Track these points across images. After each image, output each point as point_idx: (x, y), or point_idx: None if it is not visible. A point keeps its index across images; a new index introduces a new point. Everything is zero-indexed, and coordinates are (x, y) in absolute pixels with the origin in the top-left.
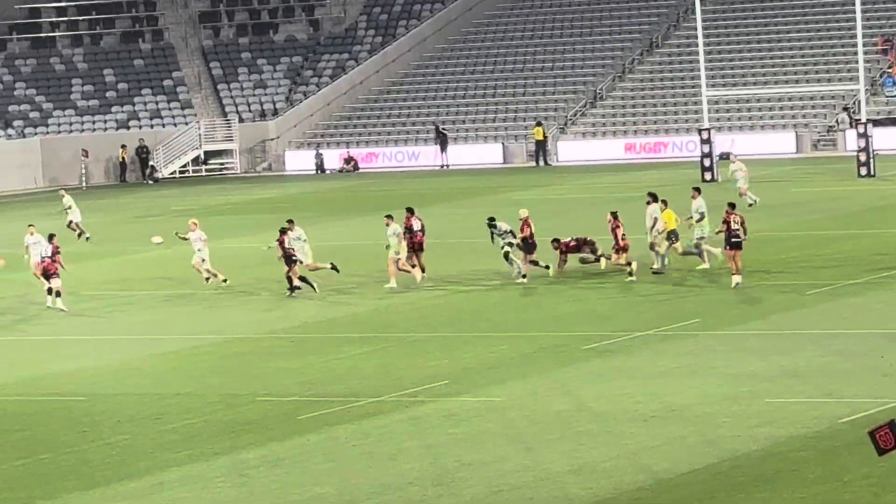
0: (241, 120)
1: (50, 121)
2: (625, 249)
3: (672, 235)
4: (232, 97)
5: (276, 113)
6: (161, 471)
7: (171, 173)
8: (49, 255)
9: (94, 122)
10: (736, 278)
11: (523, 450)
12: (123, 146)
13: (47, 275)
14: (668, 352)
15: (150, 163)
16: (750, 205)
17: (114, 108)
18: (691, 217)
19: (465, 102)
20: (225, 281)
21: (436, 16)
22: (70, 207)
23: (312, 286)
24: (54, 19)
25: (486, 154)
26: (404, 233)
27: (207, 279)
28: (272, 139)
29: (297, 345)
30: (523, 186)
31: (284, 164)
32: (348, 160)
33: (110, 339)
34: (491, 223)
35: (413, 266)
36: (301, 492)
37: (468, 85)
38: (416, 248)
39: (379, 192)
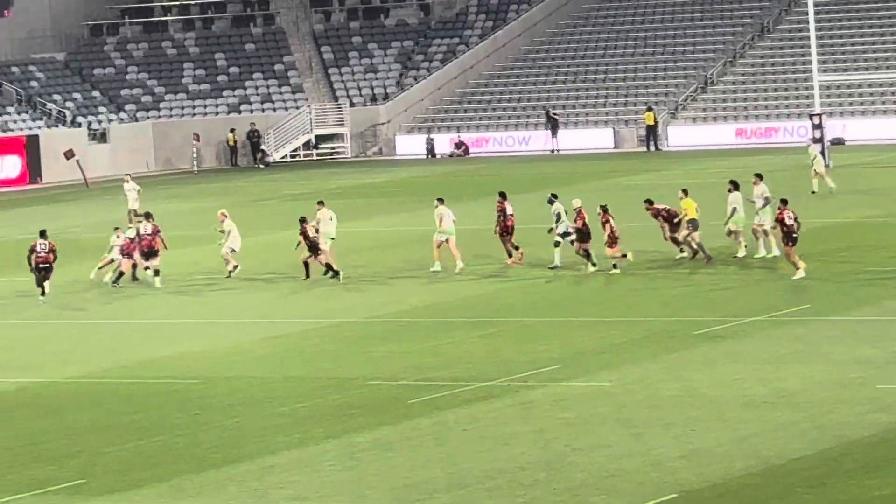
0: (351, 104)
1: (161, 105)
2: (616, 241)
3: (691, 224)
4: (343, 81)
5: (386, 97)
6: (272, 454)
7: (282, 157)
8: (149, 233)
9: (205, 107)
10: (799, 273)
11: (633, 435)
12: (233, 130)
13: (149, 253)
14: (779, 337)
15: (261, 147)
16: (813, 192)
17: (225, 93)
18: (752, 202)
19: (576, 87)
20: (236, 267)
21: (546, 0)
22: (132, 192)
23: (338, 274)
24: (166, 3)
25: (596, 139)
26: (498, 216)
27: (231, 272)
28: (383, 123)
29: (407, 329)
30: (633, 171)
31: (395, 149)
32: (459, 145)
33: (222, 323)
34: (552, 199)
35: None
36: (411, 475)
37: (579, 69)
38: (507, 231)
39: (489, 176)
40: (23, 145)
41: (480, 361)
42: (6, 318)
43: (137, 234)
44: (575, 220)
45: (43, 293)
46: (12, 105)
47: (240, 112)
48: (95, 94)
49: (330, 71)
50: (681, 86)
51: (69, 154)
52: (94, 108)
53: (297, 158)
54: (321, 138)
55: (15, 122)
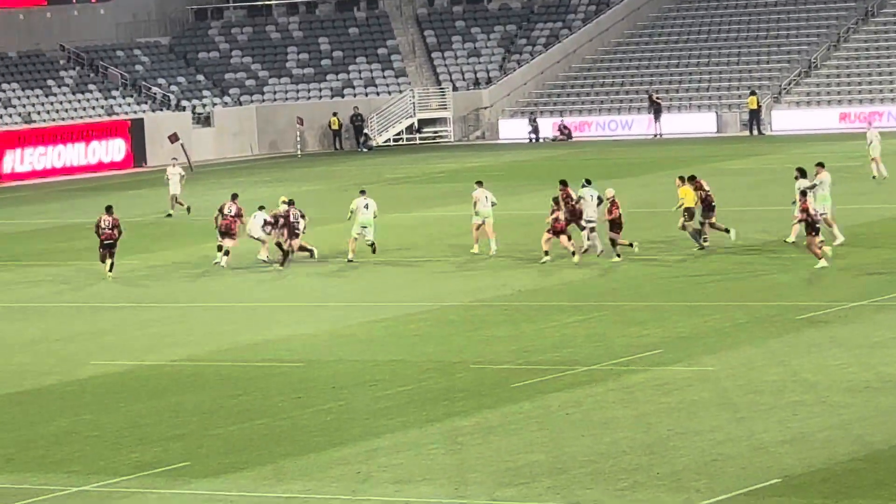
0: (454, 88)
1: (265, 89)
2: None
3: (686, 212)
4: (446, 65)
5: (489, 81)
6: (375, 437)
7: (385, 141)
8: (232, 214)
9: (308, 91)
10: (822, 262)
11: (736, 419)
12: (336, 114)
13: (226, 233)
14: (883, 322)
15: (365, 131)
16: (874, 177)
17: (328, 77)
18: (813, 186)
19: (679, 71)
20: (281, 260)
21: None
22: (175, 177)
23: (312, 252)
24: None
25: (699, 123)
26: (563, 203)
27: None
28: (485, 108)
29: (510, 313)
30: (736, 156)
31: (498, 133)
32: (562, 129)
33: (326, 306)
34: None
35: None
36: (514, 459)
37: (682, 54)
38: (574, 217)
39: (592, 160)
40: (127, 129)
41: (583, 345)
42: (112, 301)
43: (221, 212)
44: (610, 210)
45: (110, 269)
46: (117, 89)
47: (343, 96)
48: (200, 77)
49: (433, 55)
50: (784, 70)
51: (173, 138)
52: (199, 92)
53: (399, 142)
54: (424, 122)
55: (120, 105)
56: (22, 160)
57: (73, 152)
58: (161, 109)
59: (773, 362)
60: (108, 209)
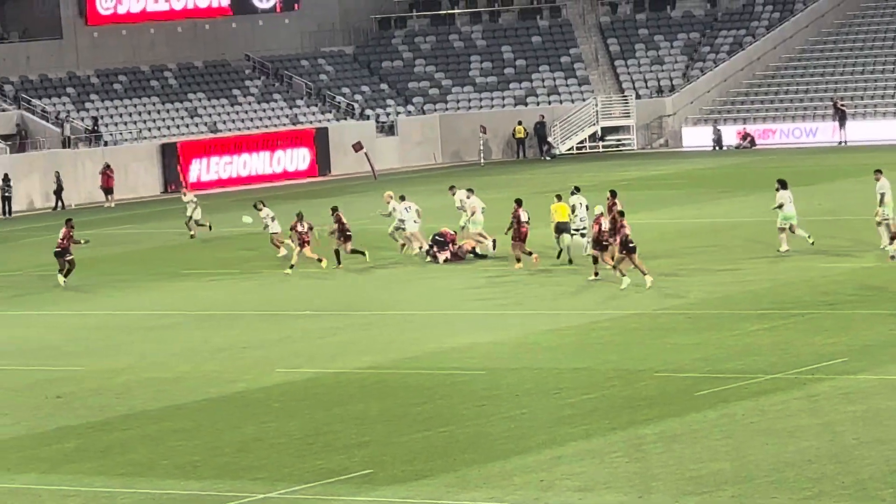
0: (637, 96)
1: (449, 97)
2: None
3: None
4: (629, 73)
5: (672, 89)
6: (559, 445)
7: (569, 149)
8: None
9: (492, 99)
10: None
11: None
12: (520, 122)
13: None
14: None
15: (548, 139)
16: None
17: (511, 85)
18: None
19: (864, 78)
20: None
21: None
22: (191, 203)
23: (364, 254)
24: None
25: (885, 130)
26: (512, 223)
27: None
28: (669, 115)
29: (693, 321)
30: None
31: (681, 141)
32: (745, 136)
33: (509, 314)
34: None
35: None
36: (698, 468)
37: (867, 60)
38: (520, 238)
39: (776, 168)
40: (312, 138)
41: (767, 353)
42: (296, 309)
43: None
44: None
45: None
46: (302, 98)
47: (526, 104)
48: (383, 86)
49: (616, 63)
50: None
51: (358, 147)
52: (382, 101)
53: (583, 150)
54: (607, 130)
55: (304, 115)
56: (208, 169)
57: (259, 161)
58: (345, 118)
59: None
60: (299, 215)
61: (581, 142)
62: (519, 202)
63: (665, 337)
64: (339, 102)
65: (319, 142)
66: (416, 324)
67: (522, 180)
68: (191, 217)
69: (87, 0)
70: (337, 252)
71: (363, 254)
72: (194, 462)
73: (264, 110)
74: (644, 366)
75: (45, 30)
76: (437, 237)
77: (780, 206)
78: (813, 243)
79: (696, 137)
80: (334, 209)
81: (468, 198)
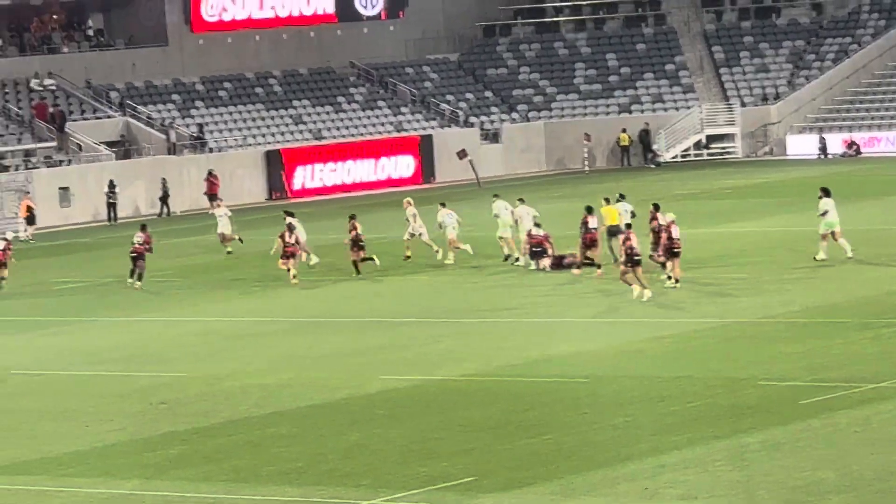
0: (742, 104)
1: (553, 105)
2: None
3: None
4: (734, 81)
5: (777, 97)
6: (662, 453)
7: (673, 157)
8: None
9: (596, 107)
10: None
11: None
12: (624, 130)
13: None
14: None
15: (653, 147)
16: None
17: (616, 93)
18: None
19: None
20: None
21: None
22: (223, 217)
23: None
24: (558, 4)
25: None
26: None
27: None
28: (774, 123)
29: (797, 329)
30: None
31: (785, 149)
32: (850, 144)
33: (612, 322)
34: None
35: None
36: (801, 476)
37: None
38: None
39: (881, 177)
40: (417, 145)
41: (872, 362)
42: (401, 316)
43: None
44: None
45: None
46: (406, 105)
47: (630, 112)
48: (488, 94)
49: (721, 70)
50: None
51: (462, 154)
52: (487, 109)
53: (687, 158)
54: (712, 138)
55: (409, 122)
56: (312, 176)
57: (363, 168)
58: (449, 126)
59: None
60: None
61: (686, 149)
62: (589, 209)
63: (769, 345)
64: (444, 110)
65: (424, 149)
66: (519, 332)
67: (626, 188)
68: (222, 232)
69: (193, 8)
70: (355, 263)
71: (372, 259)
72: (298, 468)
73: (368, 117)
74: (747, 374)
75: (150, 37)
76: (534, 248)
77: (824, 214)
78: (852, 257)
79: (801, 145)
80: (352, 217)
81: (516, 207)
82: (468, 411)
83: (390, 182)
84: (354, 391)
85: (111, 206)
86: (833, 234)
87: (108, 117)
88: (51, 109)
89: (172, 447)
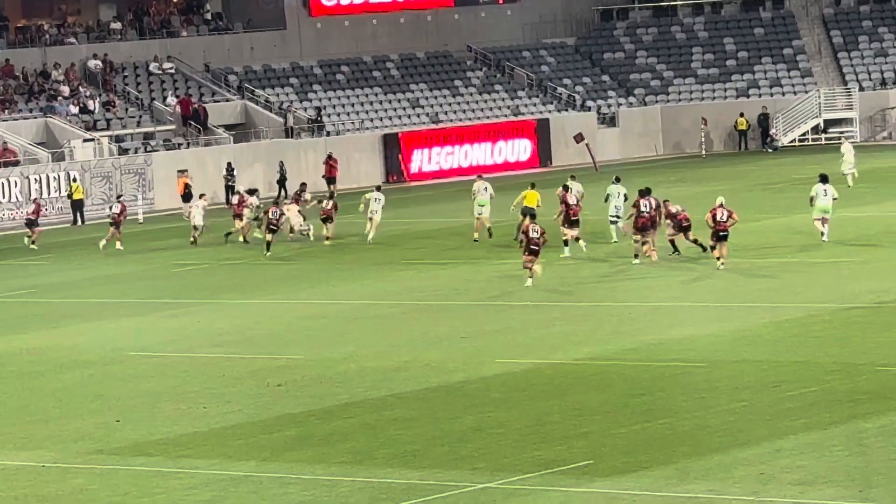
0: (861, 88)
1: (670, 89)
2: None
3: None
4: (852, 65)
5: None
6: (778, 438)
7: (791, 142)
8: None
9: (713, 91)
10: None
11: None
12: (742, 114)
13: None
14: None
15: (770, 131)
16: None
17: (734, 77)
18: None
19: None
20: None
21: None
22: (196, 209)
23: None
24: None
25: None
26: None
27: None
28: (892, 108)
29: None
30: None
31: None
32: None
33: (729, 307)
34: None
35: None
36: None
37: None
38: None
39: None
40: (533, 129)
41: None
42: (517, 300)
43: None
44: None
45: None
46: (523, 89)
47: (748, 96)
48: (605, 78)
49: (839, 55)
50: None
51: (579, 138)
52: (604, 93)
53: (805, 143)
54: (830, 122)
55: (526, 106)
56: (429, 160)
57: (480, 152)
58: (566, 110)
59: None
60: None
61: (803, 134)
62: (641, 192)
63: (887, 331)
64: (561, 94)
65: (541, 133)
66: (634, 315)
67: (744, 172)
68: (195, 226)
69: None
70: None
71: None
72: (414, 451)
73: (486, 101)
74: (865, 360)
75: (268, 21)
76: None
77: (813, 199)
78: (824, 242)
79: None
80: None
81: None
82: (583, 395)
83: (507, 165)
84: (470, 374)
85: (229, 188)
86: (823, 219)
87: (227, 100)
88: (195, 105)
89: (289, 429)
